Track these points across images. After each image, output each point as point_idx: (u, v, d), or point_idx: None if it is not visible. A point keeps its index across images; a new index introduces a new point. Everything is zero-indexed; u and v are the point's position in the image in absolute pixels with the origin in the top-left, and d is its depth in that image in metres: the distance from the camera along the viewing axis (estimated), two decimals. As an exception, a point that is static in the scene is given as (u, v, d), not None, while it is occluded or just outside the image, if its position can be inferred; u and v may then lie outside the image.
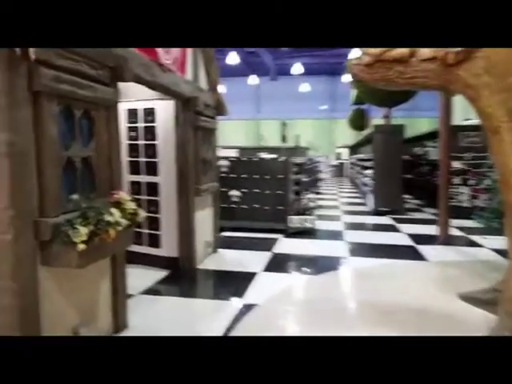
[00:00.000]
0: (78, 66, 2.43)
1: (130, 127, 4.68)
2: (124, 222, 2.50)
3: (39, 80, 2.10)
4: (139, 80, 3.28)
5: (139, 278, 4.29)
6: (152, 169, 4.57)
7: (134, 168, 4.69)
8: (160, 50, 3.57)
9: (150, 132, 4.55)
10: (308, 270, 4.70)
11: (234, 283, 4.25)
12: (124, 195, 2.64)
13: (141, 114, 4.59)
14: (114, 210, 2.37)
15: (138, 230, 4.69)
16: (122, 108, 4.68)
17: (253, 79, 20.05)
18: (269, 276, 4.48)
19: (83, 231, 2.15)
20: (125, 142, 4.71)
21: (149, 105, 4.52)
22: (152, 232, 4.65)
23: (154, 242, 4.64)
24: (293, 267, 4.97)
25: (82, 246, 2.15)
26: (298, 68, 17.77)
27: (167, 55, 3.73)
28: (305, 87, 20.61)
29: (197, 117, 4.48)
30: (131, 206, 2.65)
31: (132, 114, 4.65)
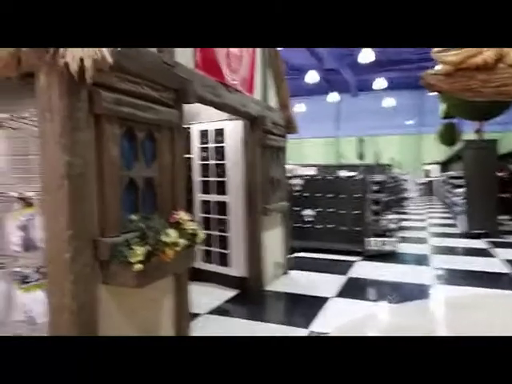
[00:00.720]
0: (140, 89, 2.50)
1: (201, 148, 4.79)
2: (183, 242, 2.47)
3: (100, 103, 2.17)
4: (204, 101, 3.32)
5: (208, 296, 4.28)
6: (221, 188, 4.60)
7: (205, 187, 4.76)
8: (227, 71, 3.60)
9: (220, 152, 4.59)
10: (387, 298, 4.32)
11: (303, 308, 4.04)
12: (184, 215, 2.63)
13: (211, 135, 4.67)
14: (170, 231, 2.35)
15: (208, 248, 4.72)
16: (196, 129, 4.83)
17: (332, 96, 19.79)
18: (342, 302, 4.20)
19: (139, 251, 2.15)
20: (197, 162, 4.83)
21: (219, 126, 4.58)
22: (221, 251, 4.65)
23: (223, 260, 4.63)
24: (369, 294, 4.61)
25: (138, 266, 2.15)
26: (380, 83, 17.18)
27: (234, 75, 3.75)
28: (389, 102, 19.80)
29: (265, 136, 4.43)
30: (191, 226, 2.63)
31: (203, 135, 4.76)
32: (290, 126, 5.18)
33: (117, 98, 2.29)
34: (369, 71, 18.77)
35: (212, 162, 4.69)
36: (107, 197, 2.26)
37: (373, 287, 4.82)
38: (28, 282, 2.35)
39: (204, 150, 4.78)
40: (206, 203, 4.78)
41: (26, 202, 2.41)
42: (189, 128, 4.81)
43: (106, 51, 1.98)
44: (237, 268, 4.52)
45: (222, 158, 4.58)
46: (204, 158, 4.78)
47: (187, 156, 4.82)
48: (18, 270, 2.41)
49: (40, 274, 2.29)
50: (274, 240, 4.89)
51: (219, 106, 3.59)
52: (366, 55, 13.00)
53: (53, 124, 2.04)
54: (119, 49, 2.17)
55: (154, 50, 2.65)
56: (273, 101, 4.79)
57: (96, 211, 2.22)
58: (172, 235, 2.32)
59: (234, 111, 3.89)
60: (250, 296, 4.36)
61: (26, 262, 2.41)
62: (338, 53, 16.06)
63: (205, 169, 4.77)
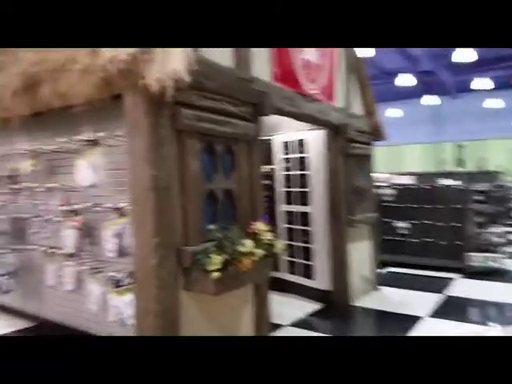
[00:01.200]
0: (219, 105, 2.61)
1: (284, 159, 4.82)
2: (259, 252, 2.50)
3: (181, 120, 2.32)
4: (282, 113, 3.35)
5: (290, 307, 4.25)
6: (304, 199, 4.56)
7: (288, 198, 4.77)
8: (305, 81, 3.59)
9: (302, 162, 4.58)
10: (492, 321, 3.87)
11: (392, 327, 3.80)
12: (261, 226, 2.66)
13: (293, 146, 4.68)
14: (246, 241, 2.39)
15: (292, 259, 4.71)
16: (278, 140, 4.88)
17: (430, 99, 18.57)
18: (436, 323, 3.85)
19: (217, 260, 2.22)
20: (280, 172, 4.87)
21: (301, 136, 4.57)
22: (305, 262, 4.59)
23: (307, 272, 4.56)
24: (470, 315, 4.18)
25: (216, 274, 2.23)
26: (484, 82, 15.70)
27: (313, 84, 3.72)
28: (494, 103, 17.97)
29: (348, 144, 4.31)
30: (268, 236, 2.65)
31: (286, 145, 4.79)
32: (376, 133, 4.97)
33: (197, 114, 2.42)
34: (469, 71, 17.31)
35: (295, 172, 4.69)
36: (189, 208, 2.38)
37: (474, 308, 4.36)
38: (120, 286, 2.57)
39: (287, 160, 4.81)
40: (289, 214, 4.79)
41: (120, 213, 2.65)
42: (271, 139, 4.88)
43: (183, 71, 2.11)
44: (321, 280, 4.43)
45: (305, 169, 4.56)
46: (287, 169, 4.80)
47: (270, 167, 4.90)
48: (112, 274, 2.65)
49: (130, 279, 2.49)
50: (361, 253, 4.69)
51: (298, 117, 3.59)
52: (467, 54, 12.00)
53: (139, 140, 2.22)
54: (197, 68, 2.29)
55: (231, 66, 2.76)
56: (356, 108, 4.65)
57: (179, 221, 2.35)
58: (248, 245, 2.37)
59: (314, 120, 3.86)
60: (335, 311, 4.22)
61: (119, 267, 2.65)
62: (433, 53, 15.10)
63: (287, 179, 4.78)
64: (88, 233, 2.94)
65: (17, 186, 3.35)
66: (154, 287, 2.20)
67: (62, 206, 3.02)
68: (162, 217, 2.22)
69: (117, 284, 2.59)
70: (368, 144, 4.87)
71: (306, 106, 3.63)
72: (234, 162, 2.79)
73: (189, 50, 2.19)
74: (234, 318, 2.81)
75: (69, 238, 2.96)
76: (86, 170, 2.78)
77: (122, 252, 2.59)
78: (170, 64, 2.09)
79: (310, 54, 3.69)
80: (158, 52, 2.11)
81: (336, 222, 4.23)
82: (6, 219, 3.51)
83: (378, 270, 5.15)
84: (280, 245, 2.72)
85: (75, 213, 2.94)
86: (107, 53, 2.18)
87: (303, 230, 4.60)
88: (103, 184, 2.73)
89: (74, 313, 3.13)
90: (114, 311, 2.59)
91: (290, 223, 4.78)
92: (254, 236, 2.61)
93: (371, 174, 5.03)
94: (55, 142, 2.99)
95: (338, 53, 4.20)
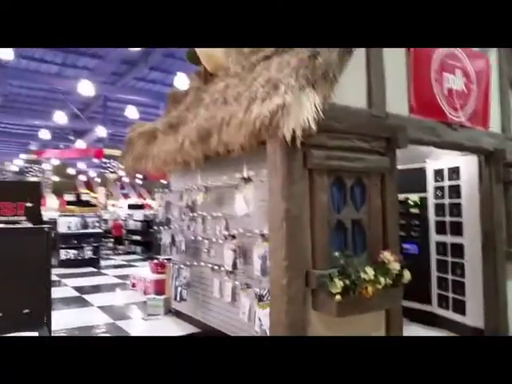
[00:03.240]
0: (349, 142, 2.90)
1: (436, 187, 4.68)
2: (385, 281, 2.64)
3: (311, 160, 2.70)
4: (422, 143, 3.40)
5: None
6: (457, 229, 4.34)
7: (440, 228, 4.59)
8: (449, 109, 3.55)
9: (455, 190, 4.38)
10: None
11: None
12: (388, 255, 2.79)
13: (446, 173, 4.52)
14: (368, 269, 2.58)
15: (443, 292, 4.48)
16: (431, 168, 4.78)
17: None
18: None
19: (338, 284, 2.49)
20: (432, 201, 4.74)
21: (453, 163, 4.40)
22: (456, 296, 4.32)
23: (458, 307, 4.27)
24: None
25: (338, 297, 2.49)
26: None
27: (460, 112, 3.64)
28: None
29: (506, 170, 3.96)
30: (395, 266, 2.76)
31: (438, 173, 4.65)
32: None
33: (326, 154, 2.77)
34: None
35: (447, 200, 4.51)
36: (317, 236, 2.72)
37: None
38: (263, 301, 3.04)
39: (439, 188, 4.66)
40: (441, 244, 4.59)
41: (264, 238, 3.15)
42: (424, 167, 4.81)
43: (311, 122, 2.49)
44: (473, 317, 4.09)
45: (458, 197, 4.35)
46: (438, 197, 4.64)
47: (423, 195, 4.82)
48: (257, 290, 3.15)
49: (269, 295, 2.94)
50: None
51: (441, 145, 3.56)
52: None
53: (276, 179, 2.69)
54: (328, 113, 2.63)
55: (364, 106, 3.02)
56: (520, 130, 4.24)
57: (309, 248, 2.71)
58: (370, 273, 2.55)
59: (462, 148, 3.73)
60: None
61: (263, 284, 3.13)
62: None
63: (440, 208, 4.62)
64: (242, 254, 3.54)
65: (194, 214, 4.24)
66: (284, 303, 2.59)
67: (224, 231, 3.71)
68: (292, 243, 2.61)
69: (260, 298, 3.08)
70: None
71: (450, 134, 3.57)
72: (364, 193, 3.01)
73: (318, 101, 2.57)
74: (365, 342, 2.96)
75: (228, 257, 3.61)
76: (241, 202, 3.39)
77: (264, 271, 3.07)
78: (301, 116, 2.50)
79: (454, 83, 3.63)
80: (293, 107, 2.54)
81: (490, 254, 3.91)
82: (185, 240, 4.44)
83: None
84: (407, 275, 2.79)
85: (233, 237, 3.59)
86: (256, 110, 2.73)
87: (455, 262, 4.36)
88: (253, 213, 3.29)
89: (230, 321, 3.75)
90: (258, 323, 3.07)
91: (442, 254, 4.57)
92: (382, 265, 2.76)
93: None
94: (220, 180, 3.73)
95: (490, 77, 3.97)
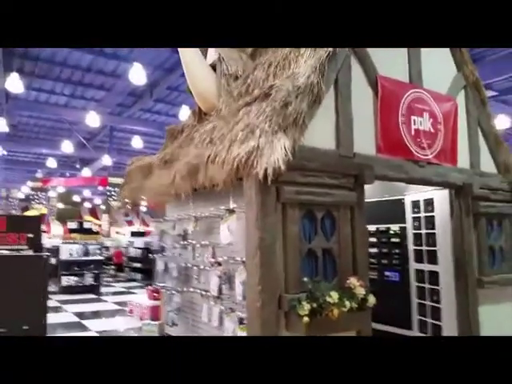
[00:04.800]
0: (319, 179, 3.23)
1: (413, 217, 4.99)
2: (350, 304, 2.92)
3: (283, 195, 3.03)
4: (389, 179, 3.74)
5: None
6: (432, 257, 4.61)
7: (418, 256, 4.87)
8: (416, 149, 3.90)
9: (430, 221, 4.68)
10: None
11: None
12: (354, 281, 3.08)
13: (422, 205, 4.84)
14: (333, 293, 2.86)
15: (422, 318, 4.71)
16: (408, 199, 5.10)
17: None
18: None
19: (306, 307, 2.77)
20: (410, 231, 5.03)
21: (428, 195, 4.72)
22: (433, 322, 4.55)
23: (436, 331, 4.50)
24: None
25: (306, 319, 2.76)
26: None
27: (426, 150, 3.98)
28: None
29: (475, 203, 4.27)
30: (361, 291, 3.04)
31: (415, 204, 4.96)
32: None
33: (297, 189, 3.10)
34: None
35: (423, 231, 4.80)
36: (289, 263, 3.02)
37: None
38: (243, 323, 3.30)
39: (416, 219, 4.96)
40: (420, 272, 4.86)
41: (245, 265, 3.44)
42: (403, 198, 5.13)
43: (282, 162, 2.83)
44: (451, 342, 4.32)
45: (433, 227, 4.65)
46: (416, 227, 4.94)
47: (402, 225, 5.11)
48: (238, 313, 3.42)
49: (248, 317, 3.21)
50: (498, 317, 4.38)
51: (409, 181, 3.90)
52: None
53: (252, 212, 3.02)
54: (299, 154, 2.97)
55: (332, 147, 3.38)
56: (487, 166, 4.57)
57: (282, 273, 3.00)
58: (334, 297, 2.83)
59: (429, 183, 4.06)
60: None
61: (244, 308, 3.40)
62: None
63: (417, 238, 4.91)
64: (227, 280, 3.82)
65: (185, 242, 4.54)
66: (259, 324, 2.86)
67: (211, 258, 4.00)
68: (265, 269, 2.91)
69: (241, 321, 3.34)
70: (508, 202, 4.64)
71: (418, 171, 3.91)
72: (334, 224, 3.33)
73: (288, 144, 2.93)
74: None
75: (214, 283, 3.89)
76: (226, 231, 3.70)
77: (245, 296, 3.35)
78: (272, 157, 2.85)
79: (421, 124, 4.00)
80: (266, 149, 2.90)
81: (462, 281, 4.16)
82: (176, 267, 4.73)
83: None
84: (372, 300, 3.06)
85: (219, 264, 3.88)
86: (235, 151, 3.09)
87: (432, 289, 4.61)
88: (236, 242, 3.59)
89: (216, 342, 3.99)
90: (238, 342, 3.33)
91: (421, 281, 4.83)
92: (349, 289, 3.04)
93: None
94: (208, 210, 4.06)
95: (457, 118, 4.33)
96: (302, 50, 3.41)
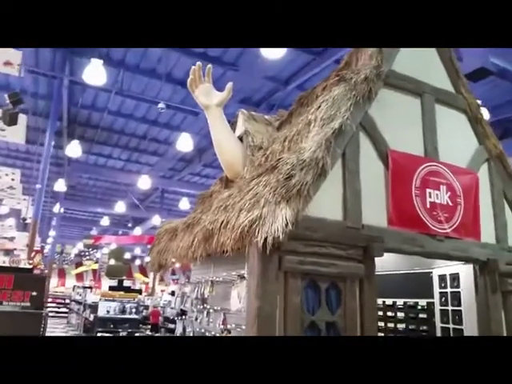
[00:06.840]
0: (324, 250, 3.26)
1: (440, 292, 4.75)
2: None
3: (285, 264, 3.08)
4: (402, 252, 3.67)
5: None
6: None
7: (445, 335, 4.56)
8: (432, 222, 3.83)
9: (456, 297, 4.44)
10: None
11: None
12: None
13: (448, 279, 4.62)
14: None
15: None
16: (436, 273, 4.90)
17: None
18: None
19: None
20: (438, 307, 4.77)
21: (453, 270, 4.52)
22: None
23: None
24: None
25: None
26: None
27: (444, 224, 3.90)
28: None
29: (503, 280, 4.03)
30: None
31: (442, 279, 4.75)
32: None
33: (301, 259, 3.15)
34: None
35: (450, 307, 4.54)
36: (289, 334, 2.99)
37: None
38: None
39: (443, 294, 4.72)
40: (448, 353, 4.52)
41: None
42: (431, 272, 4.93)
43: (282, 232, 2.93)
44: None
45: (459, 304, 4.39)
46: (443, 303, 4.68)
47: (430, 301, 4.87)
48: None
49: None
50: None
51: (424, 255, 3.79)
52: None
53: (253, 279, 3.09)
54: (303, 224, 3.06)
55: (339, 218, 3.42)
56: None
57: (280, 345, 2.97)
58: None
59: (448, 257, 3.92)
60: None
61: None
62: None
63: (444, 314, 4.63)
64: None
65: (203, 306, 4.61)
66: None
67: (222, 325, 4.02)
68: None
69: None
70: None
71: (436, 245, 3.81)
72: (340, 297, 3.28)
73: (290, 214, 3.03)
74: None
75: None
76: (236, 298, 3.75)
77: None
78: (273, 227, 2.96)
79: (438, 198, 3.95)
80: (268, 218, 3.02)
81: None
82: (192, 332, 4.75)
83: None
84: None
85: (228, 331, 3.88)
86: (241, 219, 3.24)
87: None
88: (244, 309, 3.61)
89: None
90: None
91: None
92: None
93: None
94: (221, 275, 4.16)
95: (478, 191, 4.23)
96: (311, 126, 3.61)
